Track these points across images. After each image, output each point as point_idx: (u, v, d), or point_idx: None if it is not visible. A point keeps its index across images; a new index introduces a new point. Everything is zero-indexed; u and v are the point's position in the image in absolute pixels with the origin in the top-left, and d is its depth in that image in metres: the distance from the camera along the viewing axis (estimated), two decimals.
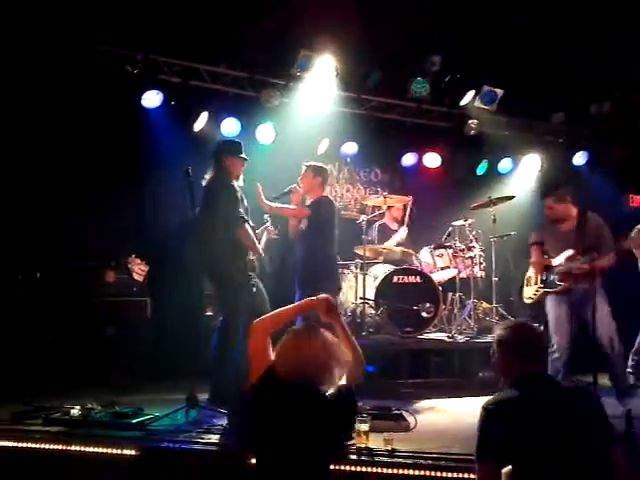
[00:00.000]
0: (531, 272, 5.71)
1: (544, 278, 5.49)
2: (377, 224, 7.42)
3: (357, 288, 6.66)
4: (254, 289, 5.07)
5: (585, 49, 6.58)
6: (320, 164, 5.96)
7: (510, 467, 2.52)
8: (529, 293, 5.68)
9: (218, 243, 4.95)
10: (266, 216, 5.77)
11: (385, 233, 7.36)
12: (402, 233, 7.29)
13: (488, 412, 2.58)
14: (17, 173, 6.04)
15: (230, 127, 6.93)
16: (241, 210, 5.06)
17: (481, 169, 8.27)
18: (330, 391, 2.72)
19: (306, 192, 5.76)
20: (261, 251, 5.22)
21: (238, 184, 5.19)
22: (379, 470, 3.56)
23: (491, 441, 2.53)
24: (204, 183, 5.13)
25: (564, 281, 5.31)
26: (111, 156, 6.44)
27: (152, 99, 6.45)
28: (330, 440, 2.74)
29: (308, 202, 5.80)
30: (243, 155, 5.26)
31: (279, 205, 5.67)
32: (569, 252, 5.32)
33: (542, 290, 5.49)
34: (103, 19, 5.87)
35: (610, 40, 6.44)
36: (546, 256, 5.52)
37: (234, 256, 4.98)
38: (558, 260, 5.39)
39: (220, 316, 5.14)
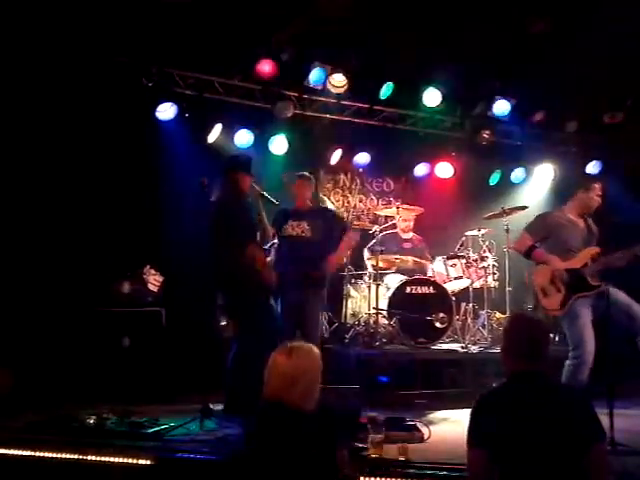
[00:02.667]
0: (544, 281, 4.90)
1: (571, 281, 4.77)
2: (390, 234, 7.43)
3: (370, 298, 6.68)
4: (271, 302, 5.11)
5: (599, 58, 6.57)
6: (306, 173, 5.80)
7: None
8: (555, 303, 4.82)
9: (235, 258, 4.93)
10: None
11: (398, 243, 7.37)
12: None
13: (478, 402, 2.73)
14: (32, 183, 6.10)
15: (243, 138, 7.00)
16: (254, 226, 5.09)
17: (494, 179, 8.26)
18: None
19: (303, 201, 5.67)
20: (271, 273, 5.16)
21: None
22: None
23: (478, 429, 2.65)
24: (215, 198, 5.09)
25: (596, 280, 4.73)
26: (126, 167, 6.51)
27: (166, 111, 6.53)
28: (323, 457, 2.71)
29: (302, 208, 5.66)
30: (252, 172, 5.24)
31: (341, 250, 5.64)
32: (594, 249, 4.81)
33: (577, 295, 4.74)
34: (119, 32, 5.95)
35: (624, 49, 6.43)
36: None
37: (250, 271, 4.94)
38: (582, 260, 4.80)
39: (237, 328, 5.14)
